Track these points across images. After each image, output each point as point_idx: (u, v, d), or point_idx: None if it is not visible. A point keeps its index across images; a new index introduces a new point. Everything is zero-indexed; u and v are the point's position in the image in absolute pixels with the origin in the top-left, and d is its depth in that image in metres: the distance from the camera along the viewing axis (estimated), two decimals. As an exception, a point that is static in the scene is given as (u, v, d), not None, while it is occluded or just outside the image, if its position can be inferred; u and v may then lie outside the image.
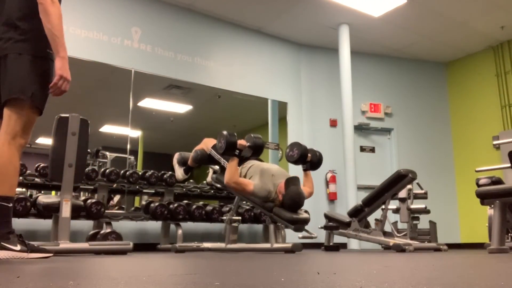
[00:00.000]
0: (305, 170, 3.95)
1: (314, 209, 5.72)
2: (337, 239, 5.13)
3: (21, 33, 2.12)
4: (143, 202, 4.86)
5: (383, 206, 4.59)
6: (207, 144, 3.94)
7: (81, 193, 4.95)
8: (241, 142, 3.57)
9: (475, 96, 7.14)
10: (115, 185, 4.60)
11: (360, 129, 6.81)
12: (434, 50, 7.12)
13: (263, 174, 3.60)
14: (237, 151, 3.55)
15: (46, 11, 2.09)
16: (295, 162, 3.91)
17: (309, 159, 3.91)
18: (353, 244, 5.75)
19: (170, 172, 4.78)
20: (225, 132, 3.52)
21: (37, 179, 4.23)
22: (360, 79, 6.79)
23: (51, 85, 2.10)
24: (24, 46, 2.11)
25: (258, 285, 0.95)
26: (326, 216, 5.04)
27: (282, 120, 6.45)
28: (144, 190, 4.97)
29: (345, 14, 5.97)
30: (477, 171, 4.32)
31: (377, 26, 6.25)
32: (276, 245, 3.57)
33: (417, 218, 4.88)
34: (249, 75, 6.23)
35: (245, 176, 3.72)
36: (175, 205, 4.57)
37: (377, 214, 4.79)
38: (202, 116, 6.27)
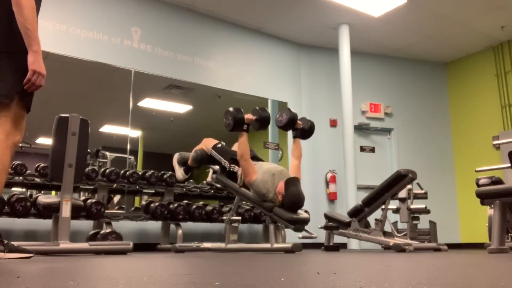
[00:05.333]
0: (294, 137, 3.95)
1: (314, 209, 5.72)
2: (337, 239, 5.12)
3: None
4: (143, 202, 4.86)
5: (383, 206, 4.58)
6: (207, 144, 3.94)
7: (81, 193, 4.95)
8: (248, 116, 3.57)
9: (475, 96, 7.14)
10: (115, 185, 4.60)
11: (360, 129, 6.81)
12: (434, 50, 7.11)
13: (265, 173, 3.60)
14: (245, 126, 3.55)
15: (19, 4, 1.98)
16: (283, 128, 3.87)
17: (299, 127, 3.90)
18: (353, 244, 5.75)
19: (170, 172, 4.78)
20: (231, 109, 3.52)
21: (37, 179, 4.23)
22: (360, 79, 6.79)
23: (24, 81, 2.02)
24: (4, 43, 2.04)
25: (258, 285, 0.95)
26: (326, 216, 5.04)
27: (282, 120, 6.44)
28: (144, 190, 4.97)
29: (345, 14, 5.97)
30: (477, 171, 4.31)
31: (377, 26, 6.25)
32: (276, 245, 3.56)
33: (417, 218, 4.87)
34: (249, 75, 6.23)
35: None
36: (175, 205, 4.56)
37: (377, 214, 4.78)
38: (202, 116, 6.27)
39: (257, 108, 3.64)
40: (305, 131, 3.94)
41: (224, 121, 3.62)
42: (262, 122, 3.61)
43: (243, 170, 3.63)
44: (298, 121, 3.88)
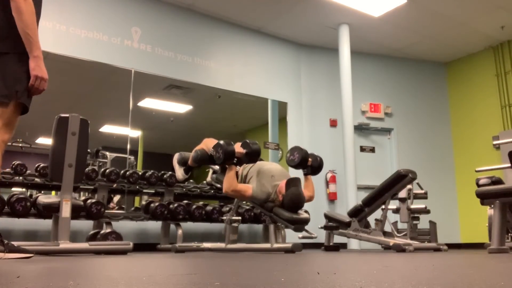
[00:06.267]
0: (305, 174, 3.95)
1: (314, 209, 5.72)
2: (337, 239, 5.12)
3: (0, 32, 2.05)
4: (143, 202, 4.86)
5: (383, 206, 4.59)
6: (208, 144, 3.94)
7: (81, 193, 4.95)
8: (239, 150, 3.55)
9: (475, 96, 7.14)
10: (115, 185, 4.60)
11: (360, 129, 6.81)
12: (434, 50, 7.11)
13: (263, 175, 3.60)
14: (235, 159, 3.54)
15: (18, 9, 1.99)
16: (296, 167, 3.90)
17: (309, 164, 3.90)
18: (353, 244, 5.75)
19: (170, 172, 4.78)
20: (222, 142, 3.50)
21: (37, 179, 4.23)
22: (360, 79, 6.79)
23: (28, 87, 2.05)
24: (4, 44, 2.05)
25: (258, 285, 0.95)
26: (326, 216, 5.04)
27: (282, 120, 6.45)
28: (144, 190, 4.97)
29: (345, 14, 5.97)
30: (477, 171, 4.31)
31: (377, 26, 6.25)
32: (276, 245, 3.57)
33: (417, 218, 4.87)
34: (249, 75, 6.22)
35: (245, 177, 3.72)
36: (175, 205, 4.56)
37: (377, 214, 4.79)
38: (202, 116, 6.27)
39: (248, 141, 3.63)
40: (315, 168, 3.96)
41: (214, 154, 3.59)
42: (252, 155, 3.60)
43: (236, 197, 3.66)
44: (308, 158, 3.89)
